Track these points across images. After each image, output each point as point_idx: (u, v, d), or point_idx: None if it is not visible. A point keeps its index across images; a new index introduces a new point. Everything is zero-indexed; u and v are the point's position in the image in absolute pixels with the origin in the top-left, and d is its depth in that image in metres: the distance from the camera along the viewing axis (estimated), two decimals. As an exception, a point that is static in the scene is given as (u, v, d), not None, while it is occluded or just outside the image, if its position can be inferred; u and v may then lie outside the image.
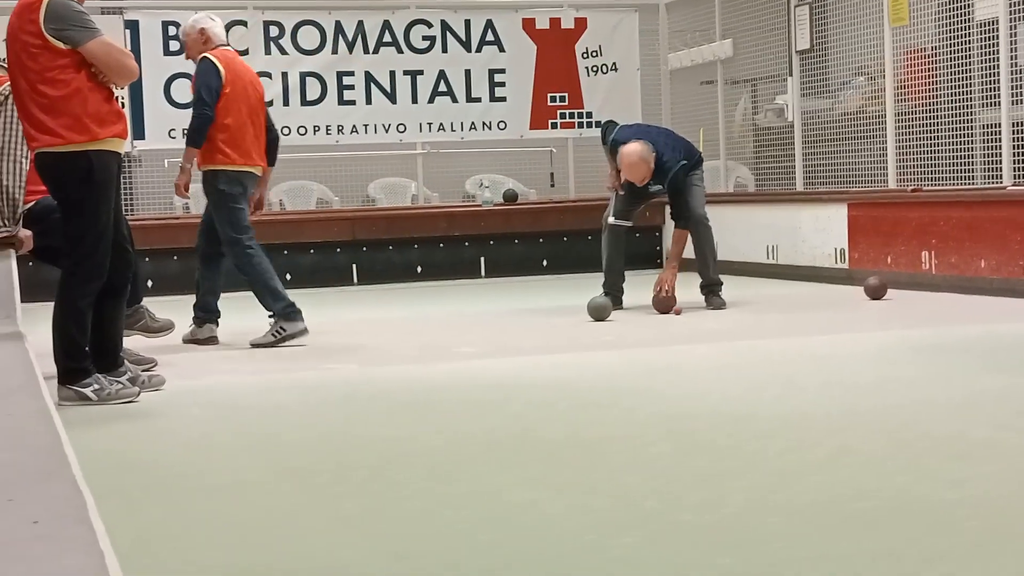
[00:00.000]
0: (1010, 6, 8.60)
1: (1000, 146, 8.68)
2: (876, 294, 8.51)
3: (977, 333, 6.77)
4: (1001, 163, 8.67)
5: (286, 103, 11.71)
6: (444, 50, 12.08)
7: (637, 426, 4.53)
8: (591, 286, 8.54)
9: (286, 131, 11.69)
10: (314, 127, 11.79)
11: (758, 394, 5.11)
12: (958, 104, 9.12)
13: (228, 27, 11.55)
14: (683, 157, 8.31)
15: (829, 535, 3.08)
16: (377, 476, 3.87)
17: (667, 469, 3.83)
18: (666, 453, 4.04)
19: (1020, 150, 8.57)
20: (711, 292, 8.43)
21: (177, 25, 11.47)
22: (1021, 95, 8.58)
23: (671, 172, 8.22)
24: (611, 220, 8.57)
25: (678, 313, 7.96)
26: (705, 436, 4.28)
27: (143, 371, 6.07)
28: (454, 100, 12.12)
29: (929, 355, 6.06)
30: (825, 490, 3.50)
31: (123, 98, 10.83)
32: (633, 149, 8.18)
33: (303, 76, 11.75)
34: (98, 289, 5.32)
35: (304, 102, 11.77)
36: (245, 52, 11.60)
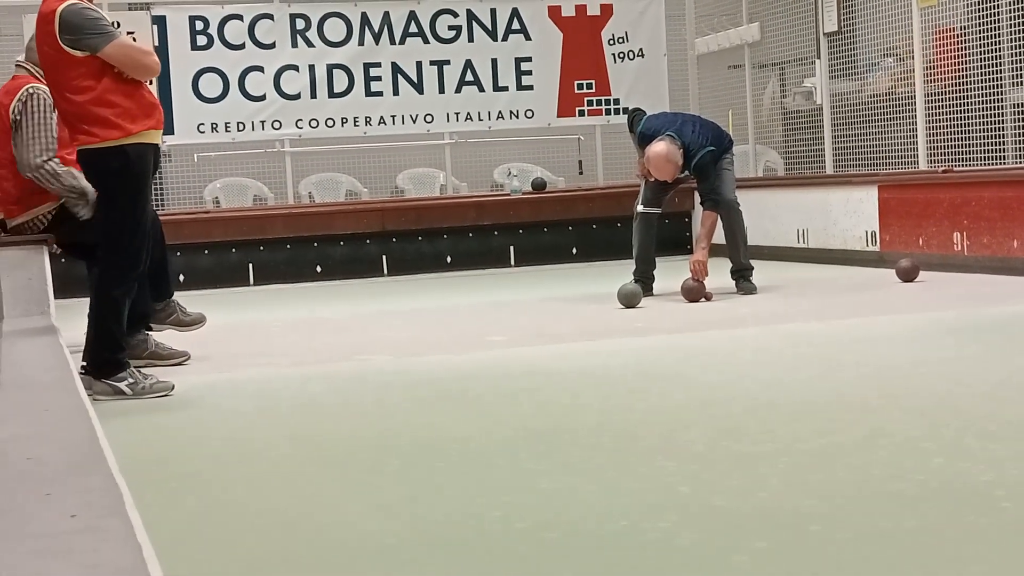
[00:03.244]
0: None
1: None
2: (908, 276, 8.47)
3: (1011, 313, 6.72)
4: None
5: (313, 96, 11.73)
6: (470, 39, 12.07)
7: (670, 412, 4.52)
8: (621, 273, 8.53)
9: (314, 123, 11.76)
10: (342, 119, 11.81)
11: (792, 377, 5.09)
12: (989, 83, 9.05)
13: (255, 21, 11.67)
14: (710, 143, 8.28)
15: (866, 516, 3.07)
16: (414, 464, 3.88)
17: (701, 454, 3.82)
18: (700, 438, 4.03)
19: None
20: (742, 277, 8.40)
21: (205, 20, 11.54)
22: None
23: (696, 157, 8.20)
24: (640, 208, 8.55)
25: (708, 299, 7.94)
26: (739, 420, 4.27)
27: (175, 364, 6.12)
28: (481, 89, 12.11)
29: (964, 336, 6.02)
30: (861, 471, 3.48)
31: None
32: (659, 150, 8.13)
33: (330, 68, 11.76)
34: (135, 281, 5.39)
35: (331, 94, 11.79)
36: (272, 45, 11.66)
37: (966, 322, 6.49)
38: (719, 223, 8.35)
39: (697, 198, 11.75)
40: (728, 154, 8.46)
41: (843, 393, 4.68)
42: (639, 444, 4.01)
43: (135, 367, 5.44)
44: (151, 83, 10.82)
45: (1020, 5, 8.73)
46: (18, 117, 6.12)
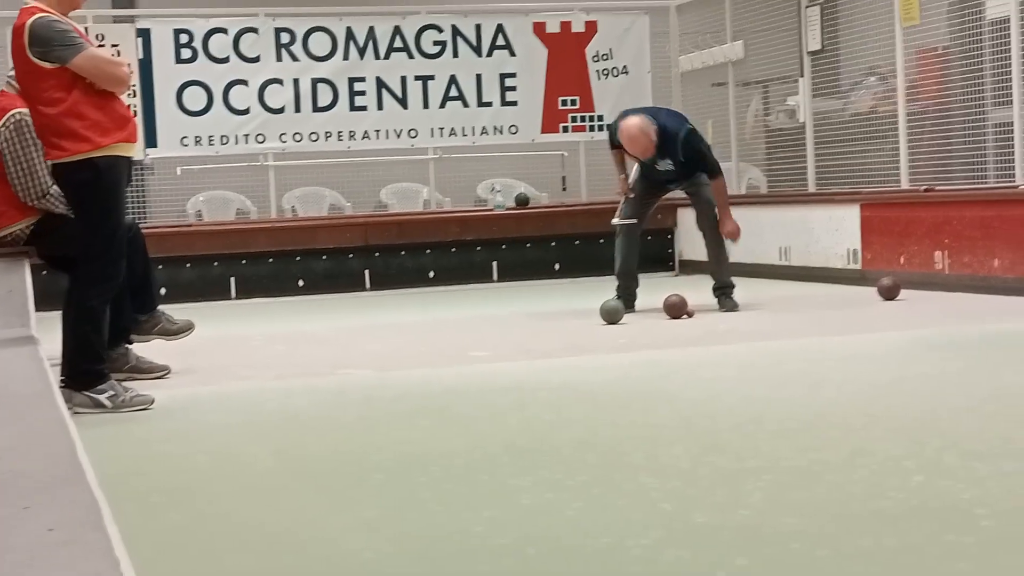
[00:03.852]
0: (1021, 4, 8.57)
1: (1013, 145, 8.66)
2: (890, 294, 8.49)
3: (993, 332, 6.75)
4: (1014, 162, 8.64)
5: (298, 110, 11.72)
6: (455, 55, 12.08)
7: (653, 428, 4.52)
8: (604, 289, 8.53)
9: (298, 137, 11.75)
10: (326, 133, 11.80)
11: (774, 395, 5.09)
12: (970, 103, 9.10)
13: (239, 34, 11.66)
14: (687, 124, 8.37)
15: (847, 534, 3.07)
16: (396, 479, 3.86)
17: (684, 470, 3.82)
18: (683, 454, 4.03)
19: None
20: (723, 294, 8.41)
21: (189, 33, 11.53)
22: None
23: (680, 138, 8.21)
24: (616, 220, 8.55)
25: (690, 316, 7.95)
26: (722, 437, 4.27)
27: (156, 377, 6.09)
28: (465, 105, 12.12)
29: (945, 354, 6.04)
30: (843, 489, 3.49)
31: (135, 107, 10.88)
32: (632, 122, 8.17)
33: (314, 82, 11.76)
34: (113, 291, 5.39)
35: (316, 108, 11.78)
36: (256, 59, 11.65)
37: (948, 340, 6.51)
38: (702, 240, 8.38)
39: (679, 217, 11.81)
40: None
41: (826, 411, 4.68)
42: (623, 460, 4.00)
43: (116, 380, 5.42)
44: (134, 95, 10.85)
45: (1001, 25, 8.77)
46: (4, 147, 6.09)
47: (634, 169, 8.55)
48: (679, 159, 8.27)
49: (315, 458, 4.28)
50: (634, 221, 8.54)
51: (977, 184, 8.97)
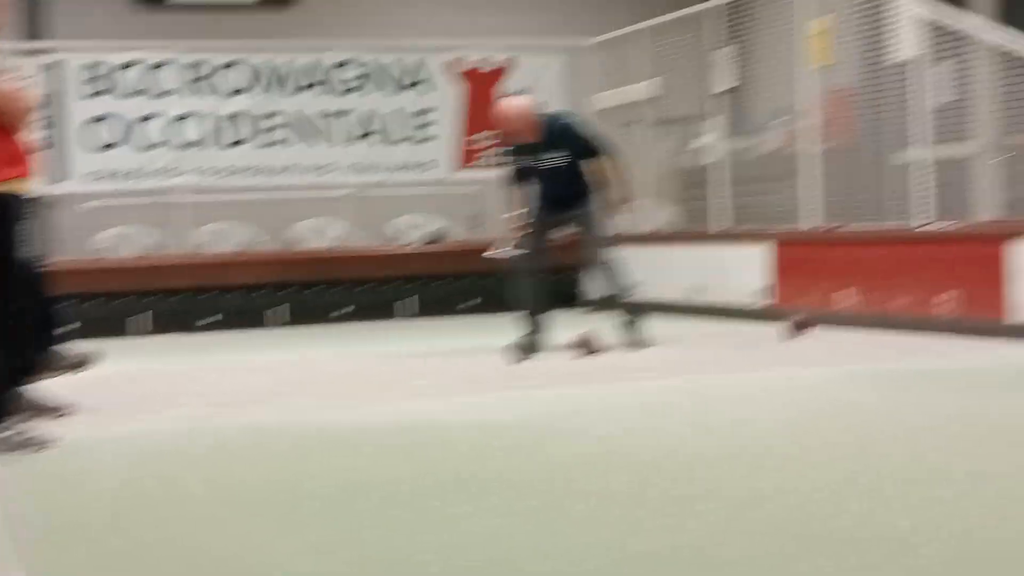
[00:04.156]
0: (925, 48, 8.78)
1: (918, 185, 8.85)
2: (800, 331, 8.61)
3: (904, 368, 6.87)
4: (921, 201, 8.83)
5: (211, 144, 11.66)
6: (372, 90, 12.10)
7: (582, 460, 4.52)
8: (518, 326, 8.54)
9: (211, 172, 11.68)
10: (240, 168, 11.75)
11: (702, 428, 5.13)
12: (877, 143, 9.29)
13: (153, 68, 11.58)
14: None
15: (787, 561, 3.11)
16: (338, 506, 3.83)
17: (625, 500, 3.82)
18: (623, 486, 4.02)
19: (936, 189, 8.74)
20: (630, 329, 8.42)
21: (102, 66, 11.41)
22: (938, 135, 8.75)
23: (564, 122, 8.25)
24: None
25: (602, 352, 7.97)
26: (660, 467, 4.27)
27: (57, 416, 5.96)
28: (382, 141, 12.13)
29: (865, 388, 6.13)
30: (778, 519, 3.53)
31: (45, 140, 10.75)
32: (515, 99, 8.25)
33: (229, 117, 11.70)
34: (15, 329, 5.29)
35: (230, 143, 11.73)
36: (169, 93, 11.58)
37: (865, 375, 6.61)
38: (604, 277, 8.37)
39: (585, 255, 11.88)
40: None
41: (758, 442, 4.73)
42: (570, 487, 4.00)
43: (14, 420, 5.28)
44: (44, 127, 10.69)
45: (904, 68, 8.98)
46: None
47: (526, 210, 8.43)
48: (567, 145, 8.12)
49: (249, 487, 4.25)
50: (530, 253, 8.34)
51: (885, 223, 9.15)
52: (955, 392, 5.94)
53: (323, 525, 3.64)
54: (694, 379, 6.73)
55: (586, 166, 8.23)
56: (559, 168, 8.20)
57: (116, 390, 6.90)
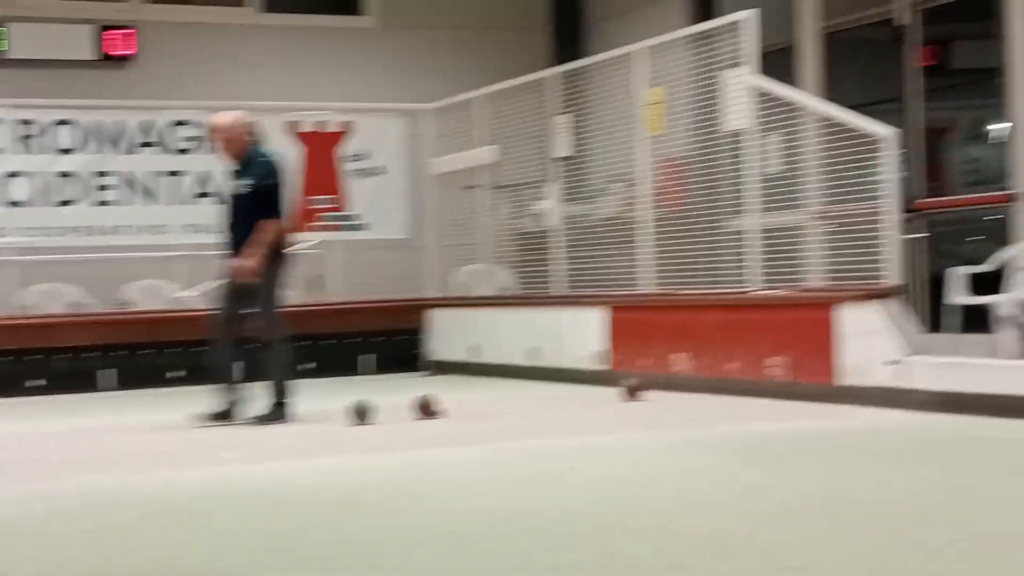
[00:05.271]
0: (756, 118, 9.03)
1: (749, 251, 9.06)
2: (635, 395, 8.71)
3: (733, 432, 6.98)
4: (752, 268, 9.03)
5: (41, 203, 11.39)
6: (207, 151, 11.94)
7: (407, 529, 4.49)
8: (361, 388, 8.48)
9: (41, 232, 11.39)
10: (70, 228, 11.49)
11: (524, 494, 5.13)
12: (709, 211, 9.51)
13: (-19, 124, 11.27)
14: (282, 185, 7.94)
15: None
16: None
17: (437, 571, 3.80)
18: (433, 557, 4.01)
19: (767, 256, 8.95)
20: (273, 404, 7.94)
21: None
22: (769, 203, 8.98)
23: (265, 159, 7.90)
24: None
25: (439, 415, 7.94)
26: (474, 539, 4.27)
27: None
28: (217, 201, 11.96)
29: (688, 454, 6.21)
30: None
31: None
32: (232, 112, 7.99)
33: (60, 175, 11.45)
34: None
35: (60, 202, 11.47)
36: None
37: (690, 440, 6.70)
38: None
39: (432, 315, 11.92)
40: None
41: (577, 510, 4.74)
42: (379, 563, 3.96)
43: None
44: None
45: (736, 138, 9.22)
46: None
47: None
48: (255, 182, 7.85)
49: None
50: (227, 314, 7.94)
51: (717, 289, 9.33)
52: (773, 459, 6.05)
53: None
54: (523, 444, 6.72)
55: (256, 214, 7.87)
56: (242, 198, 7.94)
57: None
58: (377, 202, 12.54)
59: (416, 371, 11.81)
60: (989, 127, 10.15)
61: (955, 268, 8.53)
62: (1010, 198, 9.31)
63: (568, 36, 13.75)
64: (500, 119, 11.81)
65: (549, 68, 11.78)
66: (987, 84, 9.82)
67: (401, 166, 12.71)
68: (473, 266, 12.14)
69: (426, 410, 7.97)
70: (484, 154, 11.90)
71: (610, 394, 9.03)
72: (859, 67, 11.32)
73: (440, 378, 11.17)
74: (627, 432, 7.13)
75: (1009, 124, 9.50)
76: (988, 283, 8.38)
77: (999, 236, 9.24)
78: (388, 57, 13.67)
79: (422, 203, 12.73)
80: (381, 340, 11.94)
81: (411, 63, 13.62)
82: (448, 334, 11.82)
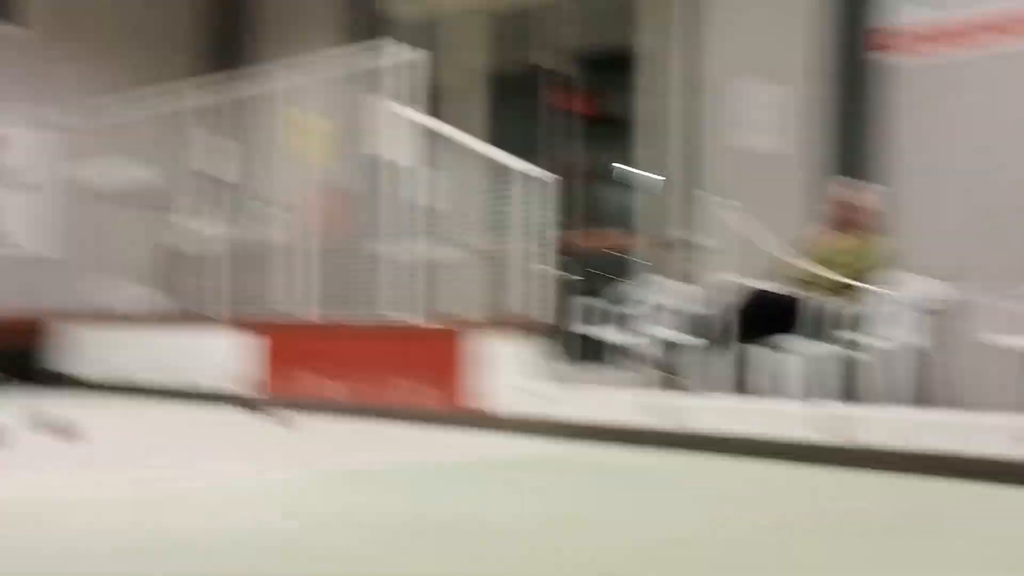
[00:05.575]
0: (415, 153, 9.16)
1: (404, 281, 9.16)
2: (289, 422, 8.62)
3: (401, 461, 6.97)
4: (406, 297, 9.13)
5: None
6: None
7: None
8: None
9: None
10: None
11: (165, 526, 4.97)
12: (366, 240, 9.56)
13: None
14: None
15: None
16: None
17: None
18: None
19: (421, 286, 9.09)
20: None
21: None
22: (426, 235, 9.12)
23: None
24: None
25: (75, 439, 7.59)
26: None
27: None
28: None
29: (357, 486, 6.13)
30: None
31: None
32: None
33: None
34: None
35: None
36: None
37: (348, 469, 6.63)
38: None
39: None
40: None
41: (239, 541, 4.62)
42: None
43: None
44: None
45: (394, 169, 9.32)
46: None
47: None
48: None
49: None
50: None
51: (375, 317, 9.38)
52: (433, 489, 6.10)
53: None
54: (140, 475, 6.51)
55: None
56: None
57: None
58: (25, 217, 12.03)
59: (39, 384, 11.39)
60: (630, 172, 10.67)
61: (578, 299, 8.90)
62: (645, 241, 9.80)
63: (231, 53, 13.58)
64: (156, 136, 11.50)
65: (205, 87, 11.57)
66: (630, 132, 10.37)
67: (53, 179, 12.23)
68: (118, 282, 11.75)
69: (64, 433, 7.60)
70: (134, 170, 11.58)
71: (256, 419, 8.88)
72: (519, 108, 11.69)
73: (70, 395, 10.72)
74: (279, 460, 7.00)
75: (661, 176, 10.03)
76: (620, 318, 8.76)
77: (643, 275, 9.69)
78: (43, 69, 13.12)
79: (69, 218, 12.26)
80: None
81: (67, 76, 13.13)
82: (86, 351, 11.40)
